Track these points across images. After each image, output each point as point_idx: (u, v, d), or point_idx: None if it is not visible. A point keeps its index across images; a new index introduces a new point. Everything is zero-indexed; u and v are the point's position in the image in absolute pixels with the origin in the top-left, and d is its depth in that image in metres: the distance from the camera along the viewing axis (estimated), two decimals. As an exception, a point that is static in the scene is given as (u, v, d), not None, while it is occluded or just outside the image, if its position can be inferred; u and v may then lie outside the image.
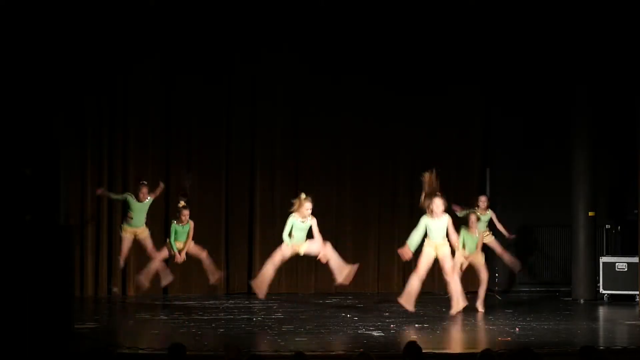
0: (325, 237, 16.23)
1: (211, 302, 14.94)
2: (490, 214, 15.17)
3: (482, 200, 15.22)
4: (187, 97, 16.10)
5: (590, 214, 15.69)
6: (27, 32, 12.45)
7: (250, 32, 16.05)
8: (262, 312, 13.94)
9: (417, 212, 16.75)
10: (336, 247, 16.49)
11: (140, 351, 10.43)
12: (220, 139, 16.28)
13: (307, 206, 13.85)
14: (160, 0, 15.34)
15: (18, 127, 11.06)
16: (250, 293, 16.17)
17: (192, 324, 12.76)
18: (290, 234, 13.87)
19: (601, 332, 12.94)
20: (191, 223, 14.53)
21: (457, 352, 11.06)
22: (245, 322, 12.94)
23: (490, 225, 15.17)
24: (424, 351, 8.19)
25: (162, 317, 13.48)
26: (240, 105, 16.35)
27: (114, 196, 15.14)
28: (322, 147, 16.56)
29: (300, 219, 13.87)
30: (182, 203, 14.50)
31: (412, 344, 8.41)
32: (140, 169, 15.91)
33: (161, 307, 14.55)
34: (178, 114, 16.11)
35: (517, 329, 12.38)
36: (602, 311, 14.80)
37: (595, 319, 14.14)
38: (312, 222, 13.95)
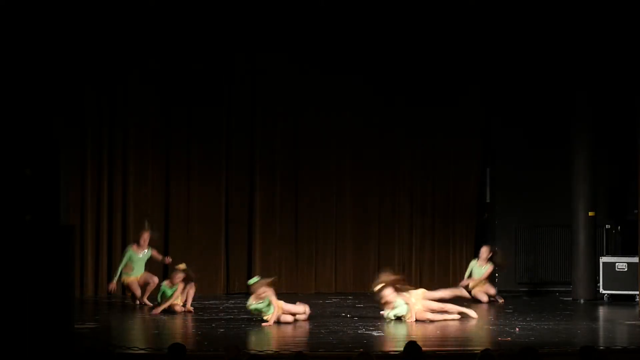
0: (326, 237, 16.32)
1: (211, 302, 14.92)
2: (488, 267, 15.51)
3: (483, 251, 15.64)
4: (186, 97, 16.08)
5: (590, 214, 15.69)
6: (27, 32, 12.43)
7: (251, 33, 16.05)
8: (262, 312, 13.91)
9: (417, 212, 16.85)
10: (336, 247, 16.59)
11: (140, 351, 10.43)
12: (221, 139, 16.26)
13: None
14: (160, 0, 15.34)
15: (18, 127, 11.03)
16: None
17: (192, 324, 12.75)
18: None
19: (601, 332, 12.94)
20: (180, 286, 13.72)
21: (457, 352, 11.06)
22: (245, 322, 12.92)
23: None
24: (423, 351, 8.20)
25: (162, 317, 13.47)
26: (240, 106, 16.33)
27: (121, 267, 14.48)
28: (322, 147, 16.54)
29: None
30: (182, 266, 13.79)
31: (412, 344, 8.42)
32: (140, 169, 15.91)
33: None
34: (178, 114, 16.10)
35: (517, 329, 12.37)
36: (602, 311, 14.79)
37: (595, 319, 14.13)
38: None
